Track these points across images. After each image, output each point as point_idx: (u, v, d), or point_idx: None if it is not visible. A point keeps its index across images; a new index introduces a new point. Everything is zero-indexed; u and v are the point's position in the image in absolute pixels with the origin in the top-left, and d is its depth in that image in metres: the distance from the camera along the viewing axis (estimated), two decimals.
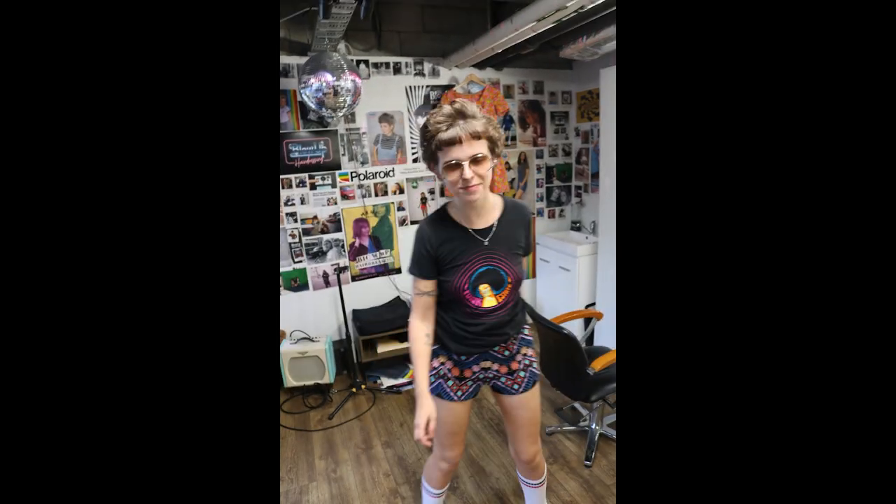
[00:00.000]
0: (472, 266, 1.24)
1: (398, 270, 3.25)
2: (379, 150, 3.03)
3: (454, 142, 1.07)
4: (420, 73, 3.03)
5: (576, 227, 3.63)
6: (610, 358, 1.92)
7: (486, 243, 1.24)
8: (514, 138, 3.40)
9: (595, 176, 3.52)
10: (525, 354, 1.42)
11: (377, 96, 2.92)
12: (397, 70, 2.97)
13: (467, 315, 1.29)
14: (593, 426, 2.25)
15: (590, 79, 3.29)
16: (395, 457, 2.28)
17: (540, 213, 3.63)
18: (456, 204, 1.25)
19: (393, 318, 2.98)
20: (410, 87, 3.02)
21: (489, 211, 1.26)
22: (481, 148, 1.10)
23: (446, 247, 1.23)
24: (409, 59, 2.98)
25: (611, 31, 2.21)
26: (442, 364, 1.38)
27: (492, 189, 3.36)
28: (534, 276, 3.68)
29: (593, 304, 3.13)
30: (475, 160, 1.10)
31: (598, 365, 1.97)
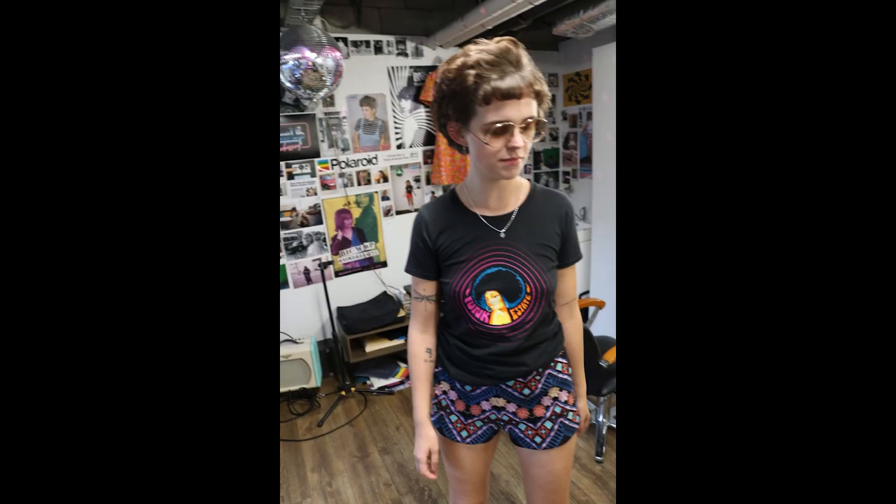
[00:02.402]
0: (478, 264, 0.93)
1: (384, 264, 3.07)
2: (360, 136, 2.82)
3: (511, 95, 0.77)
4: (403, 53, 2.84)
5: None
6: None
7: (502, 235, 0.94)
8: None
9: (584, 161, 3.42)
10: (555, 399, 1.04)
11: (357, 77, 2.72)
12: (378, 49, 2.77)
13: (471, 334, 0.97)
14: (601, 419, 2.16)
15: (578, 60, 3.18)
16: (394, 464, 2.12)
17: None
18: (471, 184, 0.96)
19: (381, 314, 2.80)
20: (393, 67, 2.83)
21: (511, 193, 0.96)
22: (534, 109, 0.81)
23: (446, 236, 0.94)
24: (391, 38, 2.79)
25: (612, 2, 2.09)
26: (444, 393, 1.07)
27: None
28: None
29: (587, 292, 3.05)
30: (527, 125, 0.81)
31: (611, 357, 1.87)
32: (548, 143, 3.48)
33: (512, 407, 1.03)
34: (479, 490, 1.14)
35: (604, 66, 2.58)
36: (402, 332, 2.90)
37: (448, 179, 3.00)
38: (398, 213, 3.04)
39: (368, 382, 2.79)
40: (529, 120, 0.81)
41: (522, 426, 1.04)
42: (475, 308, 0.94)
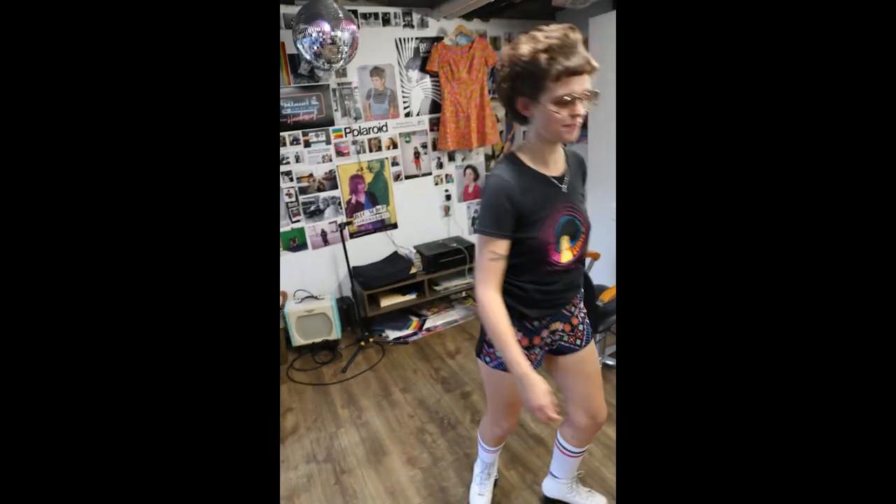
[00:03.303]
0: (556, 216, 1.12)
1: (395, 225, 3.29)
2: (371, 105, 2.99)
3: (577, 72, 0.95)
4: (409, 25, 2.98)
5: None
6: (615, 291, 2.07)
7: (564, 190, 1.14)
8: None
9: (582, 126, 3.61)
10: (579, 306, 1.33)
11: (367, 49, 2.86)
12: (386, 21, 2.91)
13: (547, 274, 1.16)
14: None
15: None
16: (414, 400, 2.40)
17: None
18: (534, 150, 1.12)
19: (394, 271, 3.04)
20: (400, 39, 2.97)
21: (560, 156, 1.16)
22: (590, 83, 1.00)
23: (529, 196, 1.08)
24: (398, 10, 2.92)
25: None
26: None
27: (485, 141, 3.37)
28: None
29: None
30: (587, 97, 0.99)
31: (606, 297, 2.12)
32: None
33: (561, 325, 1.29)
34: (519, 412, 1.44)
35: (600, 35, 2.75)
36: (414, 287, 3.14)
37: (453, 145, 3.19)
38: (407, 177, 3.24)
39: (384, 334, 3.05)
40: (588, 93, 0.99)
41: (567, 338, 1.31)
42: (553, 251, 1.13)
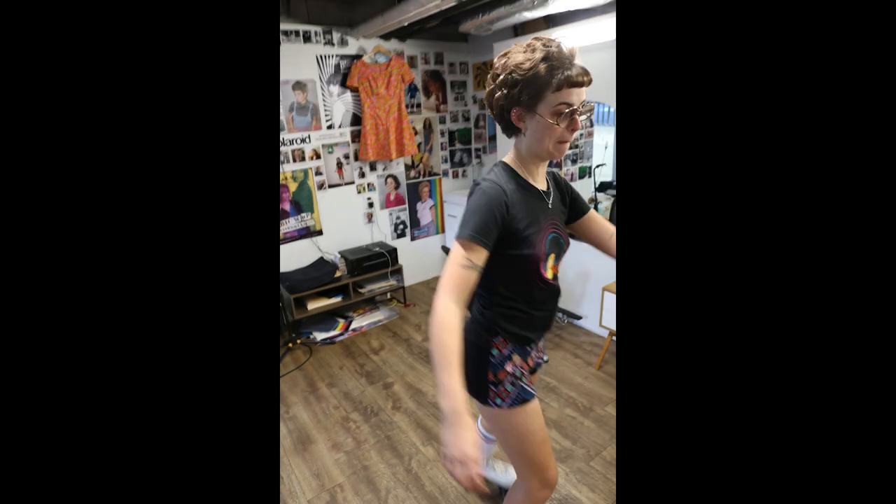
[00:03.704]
0: (546, 232, 1.05)
1: (320, 232, 3.44)
2: (294, 118, 3.14)
3: (577, 83, 0.92)
4: (329, 43, 3.16)
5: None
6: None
7: (550, 206, 1.09)
8: (419, 105, 3.70)
9: (492, 138, 3.97)
10: None
11: (289, 65, 3.01)
12: (307, 38, 3.07)
13: (539, 291, 1.10)
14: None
15: (484, 51, 3.67)
16: (340, 393, 2.57)
17: (445, 173, 4.01)
18: (523, 163, 1.06)
19: (320, 275, 3.19)
20: (321, 55, 3.15)
21: (543, 172, 1.12)
22: (585, 96, 0.97)
23: (520, 208, 1.00)
24: (318, 28, 3.10)
25: (502, 10, 2.58)
26: (517, 367, 1.13)
27: (403, 152, 3.61)
28: (443, 231, 4.09)
29: None
30: (584, 109, 0.96)
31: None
32: (461, 123, 3.98)
33: (541, 343, 1.26)
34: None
35: None
36: (339, 290, 3.31)
37: (374, 156, 3.41)
38: (331, 186, 3.41)
39: (312, 336, 3.19)
40: (585, 104, 0.96)
41: (537, 354, 1.26)
42: (543, 269, 1.06)
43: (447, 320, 0.89)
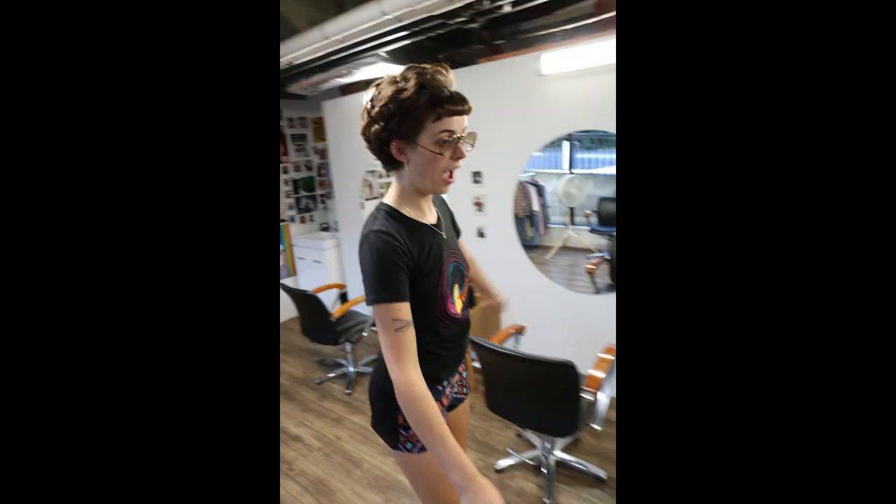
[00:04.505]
0: (446, 266, 1.00)
1: None
2: None
3: (459, 111, 0.87)
4: None
5: (324, 227, 4.40)
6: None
7: (444, 237, 1.03)
8: None
9: (330, 185, 4.39)
10: None
11: None
12: None
13: (448, 328, 1.03)
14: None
15: (319, 108, 4.12)
16: None
17: (292, 219, 4.27)
18: (407, 200, 0.98)
19: None
20: None
21: (430, 202, 1.05)
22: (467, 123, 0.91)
23: (417, 250, 0.94)
24: None
25: (319, 76, 3.04)
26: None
27: None
28: (294, 272, 4.30)
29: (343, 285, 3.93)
30: (467, 137, 0.91)
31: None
32: (304, 172, 4.32)
33: (456, 378, 1.15)
34: None
35: (332, 115, 3.56)
36: None
37: None
38: None
39: None
40: (467, 132, 0.91)
41: (456, 388, 1.17)
42: (450, 304, 1.01)
43: (414, 391, 0.86)
